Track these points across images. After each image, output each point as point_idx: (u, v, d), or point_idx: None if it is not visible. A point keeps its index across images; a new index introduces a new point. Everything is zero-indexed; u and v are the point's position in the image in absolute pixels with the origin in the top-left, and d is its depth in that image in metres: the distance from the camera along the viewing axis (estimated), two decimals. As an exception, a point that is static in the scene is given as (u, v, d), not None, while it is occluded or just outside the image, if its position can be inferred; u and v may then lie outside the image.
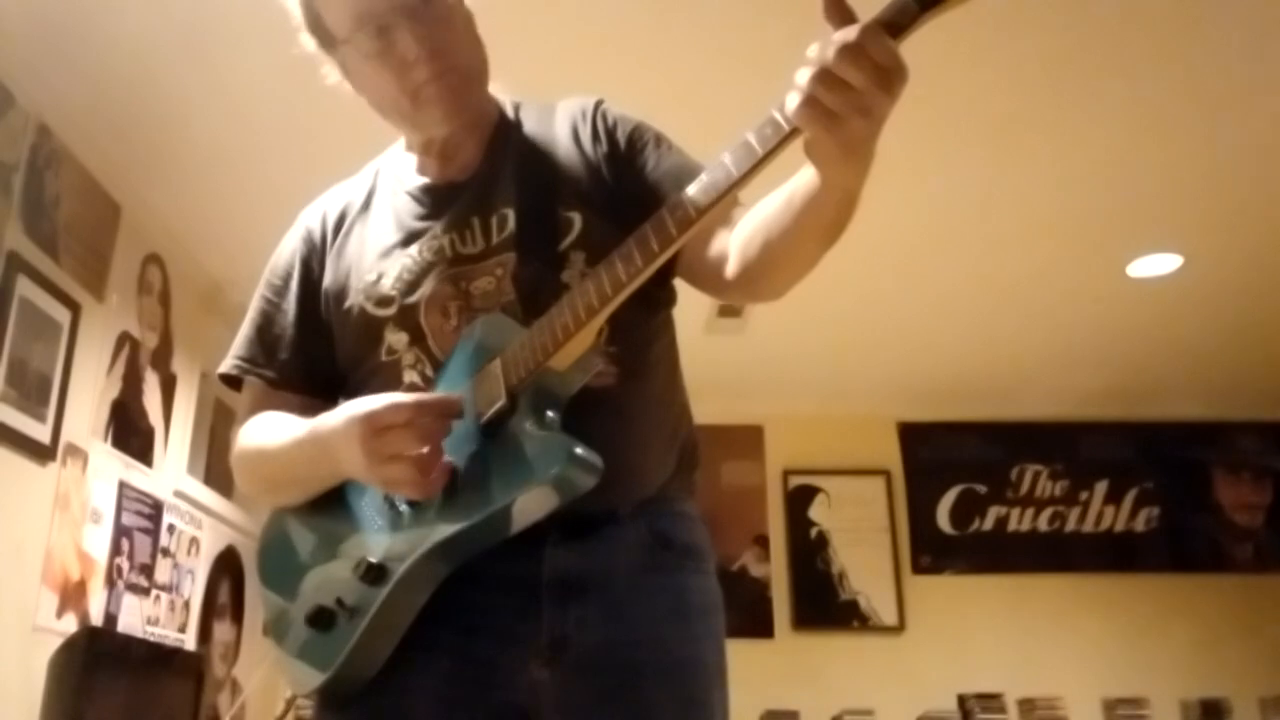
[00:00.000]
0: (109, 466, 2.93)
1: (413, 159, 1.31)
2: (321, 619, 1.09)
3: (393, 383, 1.16)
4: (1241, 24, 2.43)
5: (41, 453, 2.58)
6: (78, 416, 2.75)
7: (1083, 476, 4.87)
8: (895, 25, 0.85)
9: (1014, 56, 2.49)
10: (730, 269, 1.13)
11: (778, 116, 0.91)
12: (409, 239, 1.22)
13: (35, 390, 2.56)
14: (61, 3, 2.32)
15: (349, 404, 1.08)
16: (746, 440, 4.81)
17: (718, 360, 3.92)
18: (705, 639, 1.15)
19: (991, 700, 4.37)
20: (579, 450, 0.98)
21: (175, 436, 3.36)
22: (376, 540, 1.10)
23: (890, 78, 0.85)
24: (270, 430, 1.21)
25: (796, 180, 0.99)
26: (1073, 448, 4.90)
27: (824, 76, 0.85)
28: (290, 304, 1.28)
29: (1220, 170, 3.04)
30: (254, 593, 4.05)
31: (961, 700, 4.38)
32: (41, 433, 2.58)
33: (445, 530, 1.03)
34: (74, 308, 2.72)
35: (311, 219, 1.32)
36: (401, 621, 1.08)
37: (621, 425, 1.11)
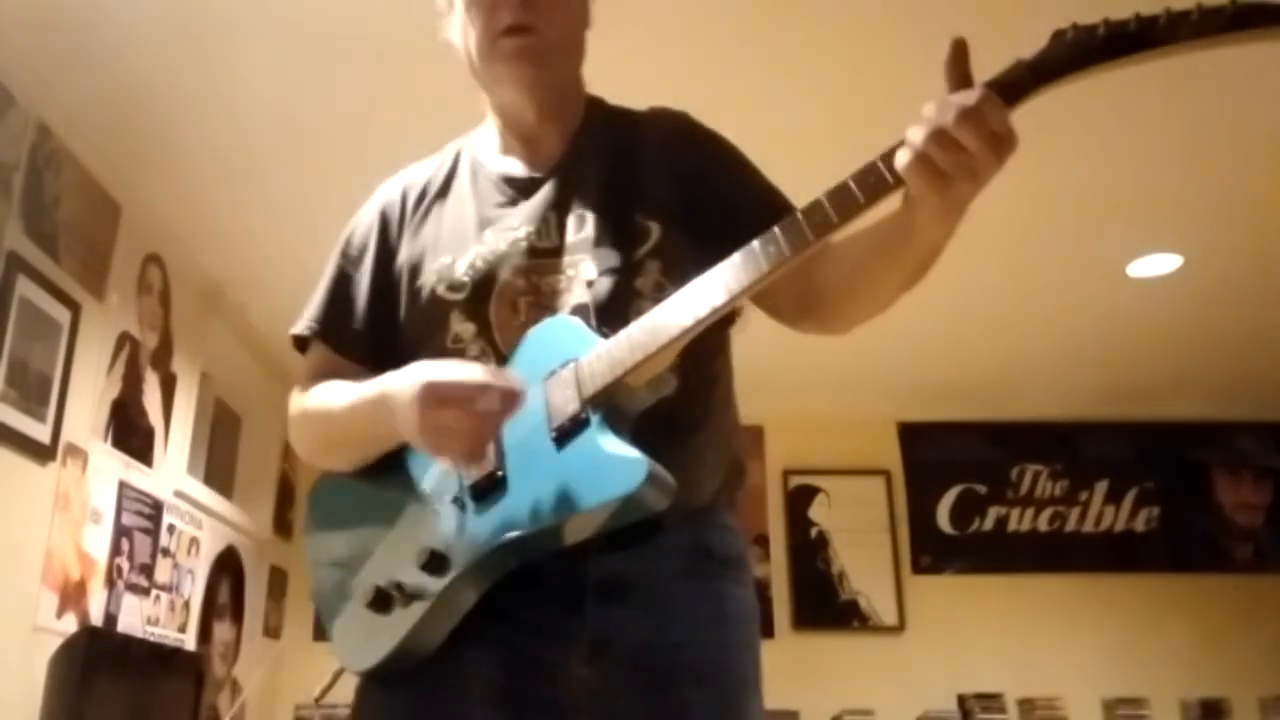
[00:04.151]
0: (109, 466, 2.93)
1: (495, 141, 1.32)
2: (378, 601, 1.11)
3: None
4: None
5: (41, 453, 2.58)
6: (78, 416, 2.75)
7: (1083, 476, 4.87)
8: (1011, 93, 0.90)
9: (1014, 56, 2.49)
10: (805, 300, 1.17)
11: (882, 168, 0.94)
12: (485, 226, 1.23)
13: (35, 390, 2.56)
14: (61, 3, 2.32)
15: (418, 365, 1.10)
16: (746, 440, 4.79)
17: (718, 360, 3.91)
18: (742, 647, 1.17)
19: (991, 700, 4.38)
20: (657, 471, 0.99)
21: (175, 436, 3.36)
22: (441, 529, 1.11)
23: (1004, 145, 0.89)
24: (337, 392, 1.22)
25: (882, 225, 1.00)
26: (1073, 448, 4.90)
27: (941, 138, 0.89)
28: (364, 275, 1.29)
29: (1220, 170, 3.03)
30: (254, 593, 4.05)
31: (961, 700, 4.38)
32: (41, 433, 2.58)
33: (514, 532, 1.05)
34: (74, 308, 2.72)
35: (391, 194, 1.34)
36: (458, 612, 1.10)
37: (679, 438, 1.12)
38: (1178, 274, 3.64)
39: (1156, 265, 3.59)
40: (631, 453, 1.01)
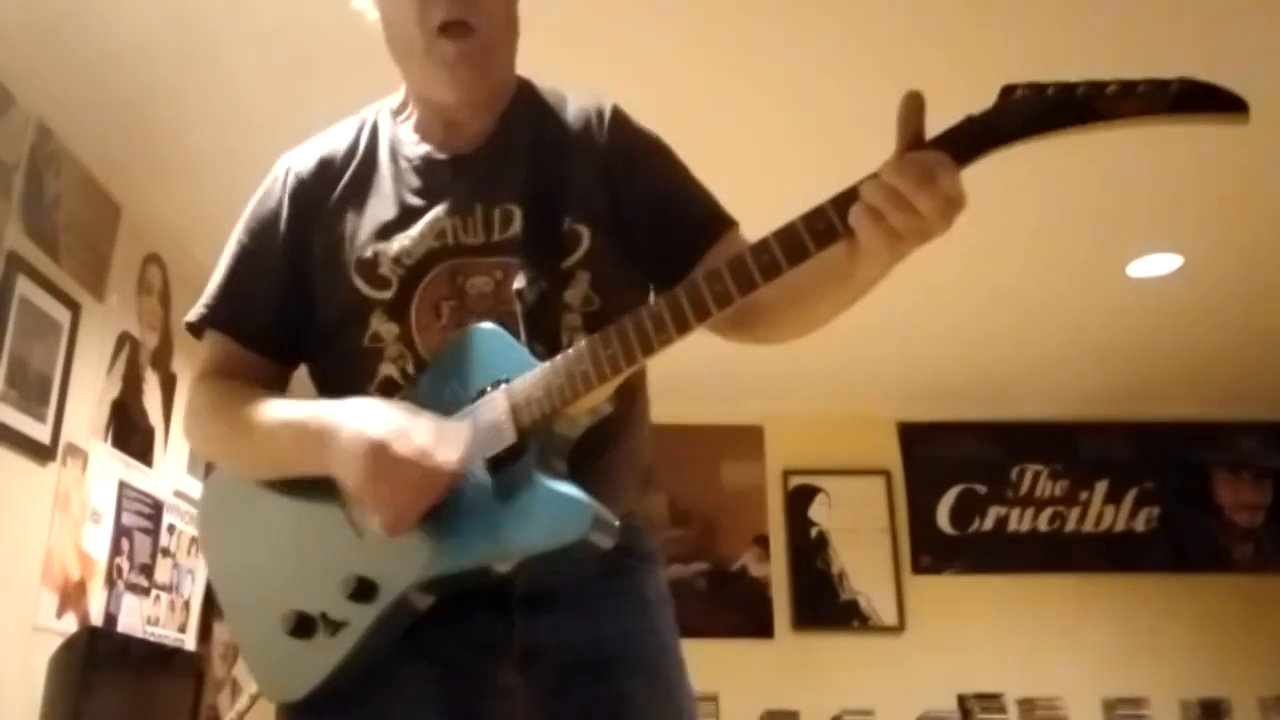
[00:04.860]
0: (109, 466, 2.93)
1: (414, 117, 1.25)
2: (300, 627, 1.06)
3: (369, 371, 1.13)
4: (1242, 23, 2.43)
5: (41, 453, 2.58)
6: (78, 416, 2.75)
7: (1083, 476, 4.86)
8: (962, 155, 0.92)
9: (1013, 56, 2.49)
10: (738, 315, 1.13)
11: (833, 216, 0.95)
12: (408, 217, 1.16)
13: (35, 390, 2.56)
14: (61, 3, 2.32)
15: (367, 411, 1.04)
16: (746, 440, 4.81)
17: (718, 360, 3.90)
18: (665, 630, 1.18)
19: (991, 700, 4.37)
20: (602, 514, 0.97)
21: (175, 436, 3.36)
22: (367, 554, 1.05)
23: (954, 208, 0.92)
24: (265, 407, 1.13)
25: (822, 257, 0.99)
26: (1073, 448, 4.90)
27: (897, 200, 0.90)
28: (273, 259, 1.20)
29: (1220, 170, 3.03)
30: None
31: (961, 700, 4.38)
32: (41, 433, 2.58)
33: (448, 565, 1.02)
34: (74, 308, 2.72)
35: (302, 169, 1.23)
36: (388, 640, 1.06)
37: (603, 456, 1.10)
38: (1178, 274, 3.64)
39: (1156, 265, 3.59)
40: (576, 494, 0.98)
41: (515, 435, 1.01)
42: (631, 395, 1.18)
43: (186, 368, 3.43)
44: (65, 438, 2.68)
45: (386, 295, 1.13)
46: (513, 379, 1.04)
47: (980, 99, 0.94)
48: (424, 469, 0.99)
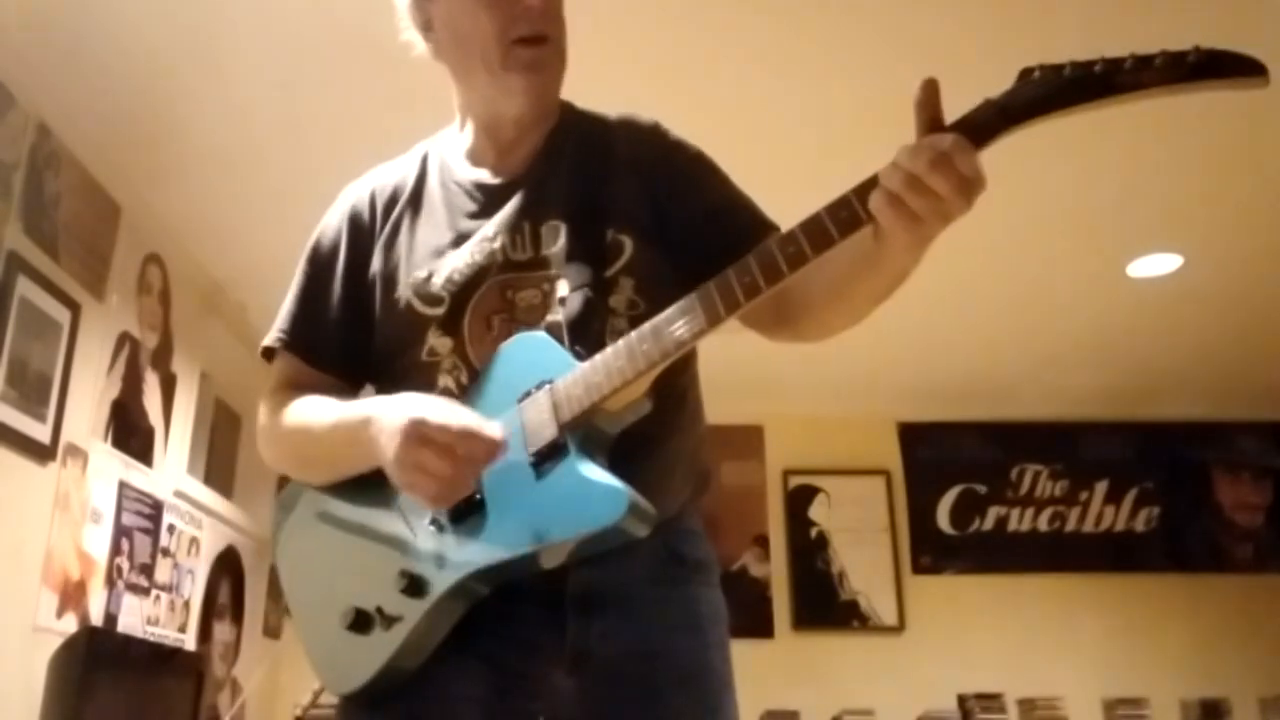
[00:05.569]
0: (109, 466, 2.93)
1: (465, 143, 1.31)
2: (358, 622, 1.11)
3: (428, 384, 1.17)
4: (1241, 22, 2.43)
5: (41, 453, 2.58)
6: (78, 416, 2.75)
7: (1083, 476, 4.87)
8: (979, 136, 0.92)
9: (1012, 55, 2.49)
10: (781, 312, 1.17)
11: (855, 204, 0.96)
12: (460, 238, 1.22)
13: (35, 390, 2.56)
14: (61, 3, 2.32)
15: (411, 397, 1.09)
16: (746, 440, 4.81)
17: (718, 360, 3.89)
18: (715, 647, 1.19)
19: (991, 700, 4.37)
20: (638, 501, 1.00)
21: (175, 436, 3.36)
22: (419, 551, 1.11)
23: (973, 189, 0.92)
24: (319, 408, 1.20)
25: (852, 249, 1.01)
26: (1073, 448, 4.90)
27: (913, 184, 0.91)
28: (335, 285, 1.27)
29: (1220, 170, 3.03)
30: (254, 593, 4.05)
31: (961, 700, 4.38)
32: (41, 433, 2.58)
33: (493, 557, 1.06)
34: (74, 308, 2.72)
35: (358, 198, 1.31)
36: (439, 634, 1.10)
37: (649, 453, 1.13)
38: (1178, 274, 3.64)
39: (1156, 265, 3.59)
40: (612, 482, 1.01)
41: (557, 431, 1.05)
42: (679, 398, 1.21)
43: (187, 368, 3.43)
44: (65, 438, 2.68)
45: (440, 311, 1.19)
46: (556, 380, 1.08)
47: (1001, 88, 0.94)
48: (464, 432, 1.02)
